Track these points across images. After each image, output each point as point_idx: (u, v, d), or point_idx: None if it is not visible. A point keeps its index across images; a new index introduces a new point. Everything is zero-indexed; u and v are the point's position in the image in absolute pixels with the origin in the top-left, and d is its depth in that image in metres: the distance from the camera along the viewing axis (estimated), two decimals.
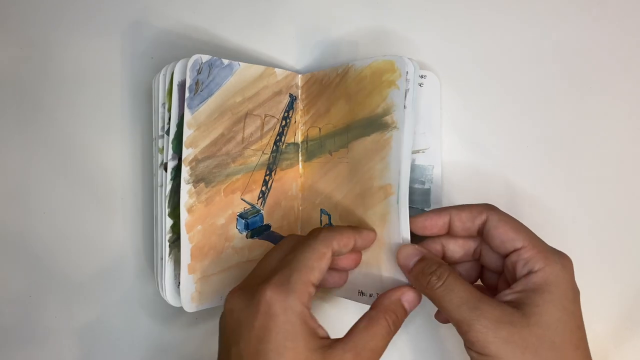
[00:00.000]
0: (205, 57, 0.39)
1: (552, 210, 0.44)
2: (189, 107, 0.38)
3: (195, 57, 0.38)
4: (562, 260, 0.33)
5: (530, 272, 0.33)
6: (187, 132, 0.38)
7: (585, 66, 0.44)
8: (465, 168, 0.44)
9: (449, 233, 0.37)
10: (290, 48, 0.45)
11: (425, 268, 0.35)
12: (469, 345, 0.32)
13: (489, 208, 0.36)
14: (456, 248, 0.37)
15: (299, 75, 0.43)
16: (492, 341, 0.31)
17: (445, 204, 0.44)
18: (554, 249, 0.34)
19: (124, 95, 0.45)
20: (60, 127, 0.45)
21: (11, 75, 0.45)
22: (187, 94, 0.38)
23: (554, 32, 0.44)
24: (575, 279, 0.34)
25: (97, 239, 0.45)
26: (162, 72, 0.40)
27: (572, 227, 0.44)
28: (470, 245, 0.37)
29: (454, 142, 0.44)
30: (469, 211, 0.36)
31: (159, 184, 0.41)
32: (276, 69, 0.42)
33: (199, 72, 0.38)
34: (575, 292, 0.33)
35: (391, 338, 0.34)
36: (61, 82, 0.45)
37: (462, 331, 0.32)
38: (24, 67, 0.45)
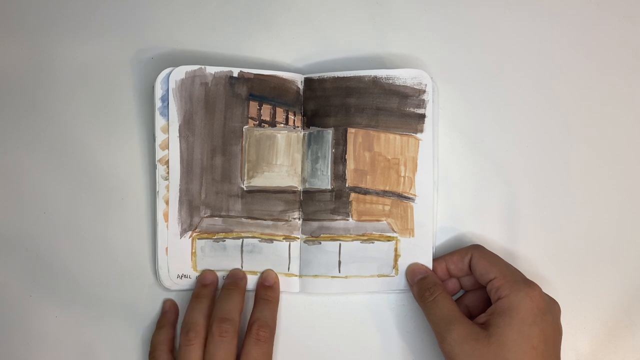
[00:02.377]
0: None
1: (552, 210, 0.44)
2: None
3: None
4: (526, 288, 0.38)
5: (499, 298, 0.39)
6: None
7: (585, 66, 0.44)
8: (465, 168, 0.44)
9: (450, 274, 0.43)
10: (290, 48, 0.45)
11: (423, 284, 0.41)
12: (443, 354, 0.38)
13: (474, 248, 0.42)
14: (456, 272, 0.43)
15: None
16: (457, 353, 0.37)
17: (445, 203, 0.44)
18: (524, 279, 0.39)
19: (124, 95, 0.45)
20: (60, 127, 0.45)
21: (11, 75, 0.46)
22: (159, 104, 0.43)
23: (554, 31, 0.45)
24: (544, 303, 0.38)
25: (98, 239, 0.45)
26: (162, 75, 0.42)
27: (572, 227, 0.43)
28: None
29: (453, 142, 0.44)
30: (458, 254, 0.42)
31: (157, 183, 0.43)
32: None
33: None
34: (536, 317, 0.37)
35: None
36: (61, 82, 0.45)
37: (438, 341, 0.39)
38: (24, 67, 0.45)
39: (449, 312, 0.39)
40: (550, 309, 0.38)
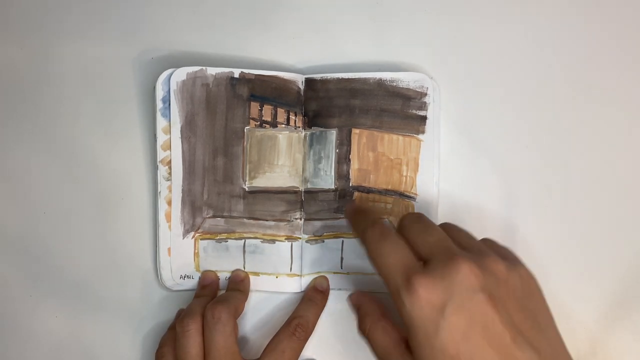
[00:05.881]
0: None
1: (552, 210, 0.44)
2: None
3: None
4: (405, 294, 0.31)
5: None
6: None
7: (585, 66, 0.45)
8: (464, 168, 0.44)
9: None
10: (290, 48, 0.45)
11: (359, 316, 0.39)
12: None
13: None
14: None
15: None
16: None
17: (445, 203, 0.44)
18: (404, 278, 0.32)
19: (124, 95, 0.45)
20: (60, 127, 0.45)
21: (12, 76, 0.45)
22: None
23: (553, 32, 0.45)
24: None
25: (98, 239, 0.45)
26: (162, 76, 0.42)
27: (572, 227, 0.44)
28: None
29: (453, 142, 0.44)
30: None
31: (159, 183, 0.43)
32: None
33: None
34: (434, 321, 0.30)
35: None
36: (61, 82, 0.45)
37: None
38: (25, 68, 0.45)
39: (382, 350, 0.35)
40: (449, 291, 0.31)
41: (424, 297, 0.31)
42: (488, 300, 0.31)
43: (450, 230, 0.36)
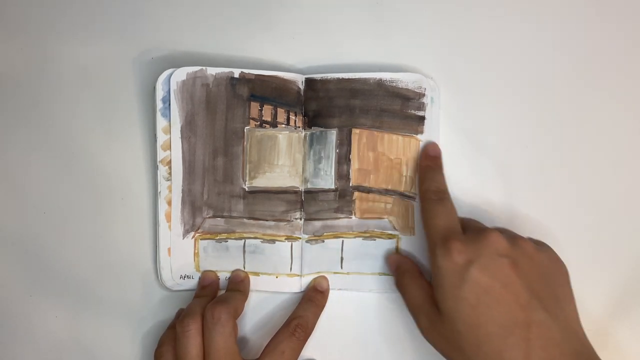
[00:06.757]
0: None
1: (552, 210, 0.44)
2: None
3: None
4: (441, 249, 0.36)
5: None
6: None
7: (585, 66, 0.45)
8: (464, 168, 0.44)
9: None
10: (290, 48, 0.45)
11: (397, 273, 0.42)
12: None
13: None
14: None
15: None
16: (430, 341, 0.38)
17: None
18: (443, 236, 0.37)
19: (124, 95, 0.45)
20: (60, 127, 0.45)
21: (12, 76, 0.45)
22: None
23: (554, 32, 0.45)
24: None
25: (98, 239, 0.45)
26: (162, 76, 0.43)
27: (572, 227, 0.44)
28: None
29: (453, 142, 0.44)
30: None
31: (159, 183, 0.43)
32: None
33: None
34: (460, 274, 0.35)
35: None
36: (62, 82, 0.45)
37: (414, 320, 0.39)
38: (25, 68, 0.45)
39: (415, 301, 0.39)
40: (478, 253, 0.35)
41: (455, 255, 0.35)
42: (511, 265, 0.35)
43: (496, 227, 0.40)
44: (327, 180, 0.44)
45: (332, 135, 0.44)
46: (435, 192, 0.41)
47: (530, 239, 0.38)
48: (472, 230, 0.38)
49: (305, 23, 0.46)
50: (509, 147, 0.44)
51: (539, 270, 0.36)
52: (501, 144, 0.44)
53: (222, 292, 0.43)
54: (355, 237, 0.44)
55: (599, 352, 0.35)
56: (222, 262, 0.44)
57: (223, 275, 0.44)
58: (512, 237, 0.37)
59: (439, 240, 0.37)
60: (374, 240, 0.44)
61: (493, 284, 0.34)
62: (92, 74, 0.45)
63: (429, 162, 0.43)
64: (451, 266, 0.35)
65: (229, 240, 0.44)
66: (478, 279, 0.35)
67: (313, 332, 0.42)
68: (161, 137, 0.43)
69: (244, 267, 0.44)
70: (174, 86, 0.43)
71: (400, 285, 0.41)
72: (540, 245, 0.38)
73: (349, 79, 0.43)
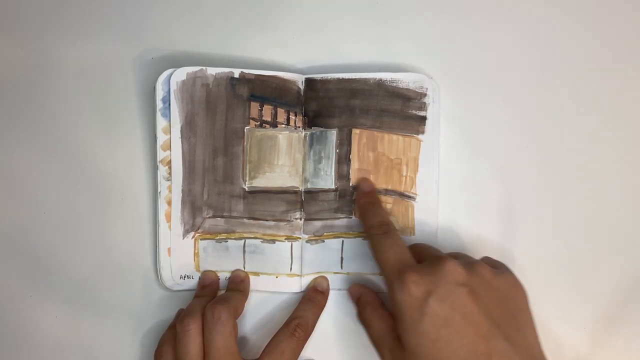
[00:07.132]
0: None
1: (552, 210, 0.44)
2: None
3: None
4: (396, 282, 0.35)
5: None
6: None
7: (585, 66, 0.45)
8: (464, 168, 0.44)
9: None
10: (290, 48, 0.45)
11: (358, 305, 0.42)
12: None
13: None
14: None
15: None
16: None
17: (445, 203, 0.44)
18: (398, 267, 0.36)
19: (124, 95, 0.45)
20: (60, 127, 0.45)
21: (12, 76, 0.45)
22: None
23: (554, 32, 0.45)
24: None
25: (98, 239, 0.45)
26: (162, 76, 0.42)
27: (572, 227, 0.44)
28: None
29: (453, 142, 0.45)
30: None
31: (158, 183, 0.43)
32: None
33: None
34: (419, 308, 0.34)
35: None
36: (62, 82, 0.45)
37: (378, 354, 0.38)
38: (25, 68, 0.45)
39: (377, 334, 0.39)
40: (435, 284, 0.35)
41: (413, 288, 0.35)
42: (469, 294, 0.34)
43: (451, 253, 0.40)
44: (327, 180, 0.44)
45: (332, 135, 0.44)
46: (379, 227, 0.40)
47: (488, 262, 0.38)
48: (428, 258, 0.37)
49: (305, 23, 0.46)
50: (508, 147, 0.44)
51: (497, 295, 0.36)
52: (501, 144, 0.44)
53: (222, 292, 0.44)
54: (355, 237, 0.44)
55: None
56: (222, 262, 0.44)
57: (223, 275, 0.44)
58: (468, 264, 0.36)
59: (394, 275, 0.36)
60: None
61: (452, 315, 0.34)
62: (92, 74, 0.45)
63: (366, 198, 0.43)
64: (409, 300, 0.35)
65: (229, 240, 0.44)
66: (437, 312, 0.34)
67: (313, 332, 0.42)
68: (161, 137, 0.43)
69: (244, 267, 0.44)
70: (174, 86, 0.43)
71: (363, 318, 0.41)
72: (498, 268, 0.38)
73: (349, 79, 0.43)
